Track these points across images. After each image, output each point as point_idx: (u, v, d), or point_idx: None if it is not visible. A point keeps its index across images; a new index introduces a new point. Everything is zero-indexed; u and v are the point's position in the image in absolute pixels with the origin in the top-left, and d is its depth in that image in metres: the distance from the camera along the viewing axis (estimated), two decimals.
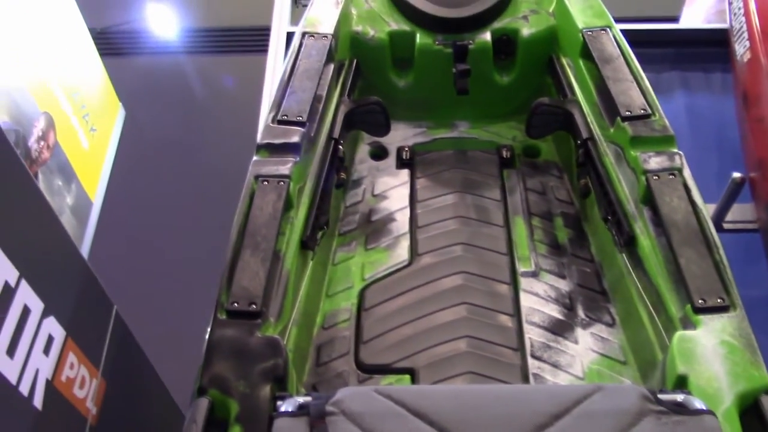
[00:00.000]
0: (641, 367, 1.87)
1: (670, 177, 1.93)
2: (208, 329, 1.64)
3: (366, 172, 2.45)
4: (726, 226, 2.51)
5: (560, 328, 1.99)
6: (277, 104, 2.16)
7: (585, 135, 2.20)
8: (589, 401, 1.40)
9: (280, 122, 2.11)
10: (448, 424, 1.37)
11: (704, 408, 1.40)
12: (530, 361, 1.91)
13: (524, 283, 2.10)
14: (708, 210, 2.49)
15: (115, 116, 3.74)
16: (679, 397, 1.44)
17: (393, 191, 2.38)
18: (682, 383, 1.56)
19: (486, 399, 1.44)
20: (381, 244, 2.22)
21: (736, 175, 2.35)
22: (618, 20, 3.04)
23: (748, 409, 1.53)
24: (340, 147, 2.26)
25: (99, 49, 3.51)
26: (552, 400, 1.41)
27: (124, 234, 4.13)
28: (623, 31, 3.29)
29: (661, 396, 1.42)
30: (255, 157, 2.04)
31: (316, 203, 2.07)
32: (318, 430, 1.36)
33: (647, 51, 3.37)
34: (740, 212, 2.53)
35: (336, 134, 2.25)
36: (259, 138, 2.08)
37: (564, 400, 1.40)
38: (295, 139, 2.06)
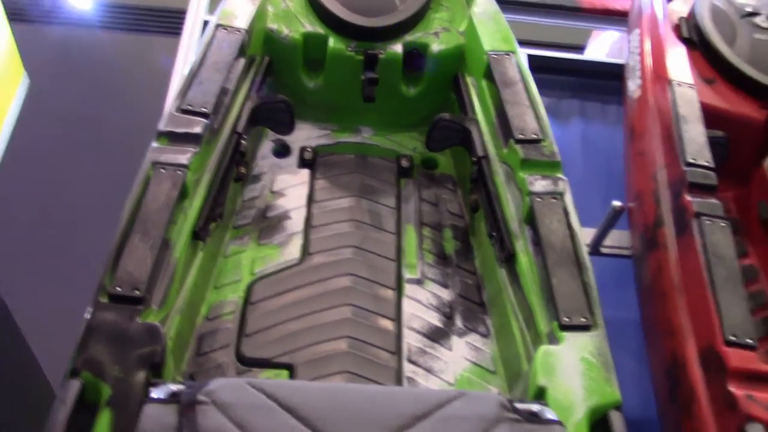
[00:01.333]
0: (509, 378, 1.98)
1: (553, 200, 2.04)
2: (88, 311, 1.64)
3: (267, 168, 2.48)
4: (603, 250, 2.67)
5: (437, 335, 2.08)
6: (183, 93, 2.16)
7: (480, 153, 2.30)
8: (450, 406, 1.48)
9: (184, 111, 2.12)
10: (316, 420, 1.42)
11: (555, 419, 1.51)
12: (406, 364, 1.99)
13: (408, 289, 2.18)
14: (585, 234, 2.65)
15: (18, 84, 3.62)
16: (535, 408, 1.53)
17: (291, 190, 2.41)
18: (541, 394, 1.67)
19: (355, 398, 1.50)
20: (274, 240, 2.25)
21: (616, 203, 2.50)
22: (525, 44, 3.17)
23: (598, 422, 1.65)
24: (243, 141, 2.28)
25: (8, 14, 3.40)
26: (416, 402, 1.48)
27: (14, 207, 4.00)
28: (530, 56, 3.44)
29: (517, 405, 1.51)
30: (154, 144, 2.04)
31: (212, 195, 2.09)
32: (187, 419, 1.39)
33: (551, 77, 3.54)
34: (618, 238, 2.69)
35: (240, 128, 2.27)
36: (160, 125, 2.08)
37: (427, 403, 1.48)
38: (197, 129, 2.07)
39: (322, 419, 1.42)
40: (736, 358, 1.80)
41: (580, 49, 4.05)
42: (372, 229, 2.31)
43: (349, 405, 1.47)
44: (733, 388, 1.76)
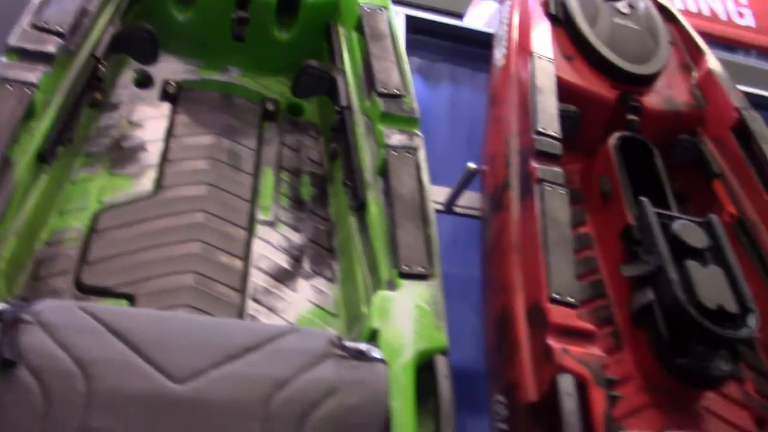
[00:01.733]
0: (349, 321, 2.05)
1: (407, 155, 2.11)
2: None
3: (126, 98, 2.41)
4: (457, 209, 2.78)
5: (284, 277, 2.11)
6: (38, 9, 2.07)
7: (344, 103, 2.33)
8: (281, 340, 1.53)
9: (38, 29, 2.03)
10: (144, 345, 1.43)
11: (379, 357, 1.58)
12: (249, 302, 2.02)
13: (260, 230, 2.20)
14: (440, 193, 2.76)
15: None
16: (362, 347, 1.60)
17: (150, 122, 2.37)
18: (374, 336, 1.74)
19: (186, 327, 1.52)
20: (127, 171, 2.21)
21: (471, 165, 2.61)
22: (406, 4, 3.23)
23: (426, 365, 1.74)
24: (101, 67, 2.21)
25: None
26: (248, 335, 1.52)
27: None
28: (409, 16, 3.49)
29: (347, 343, 1.58)
30: (2, 59, 1.95)
31: (62, 118, 2.02)
32: (8, 337, 1.37)
33: (428, 40, 3.61)
34: (471, 199, 2.80)
35: (99, 53, 2.20)
36: (10, 39, 1.99)
37: (259, 336, 1.52)
38: (51, 48, 1.99)
39: (150, 345, 1.43)
40: (557, 314, 1.94)
41: (459, 16, 4.14)
42: (229, 168, 2.30)
43: (179, 333, 1.49)
44: (551, 341, 1.89)
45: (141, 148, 2.29)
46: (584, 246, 2.52)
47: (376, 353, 1.59)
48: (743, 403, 2.30)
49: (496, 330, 2.16)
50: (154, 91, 2.46)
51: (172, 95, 2.46)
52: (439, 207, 2.77)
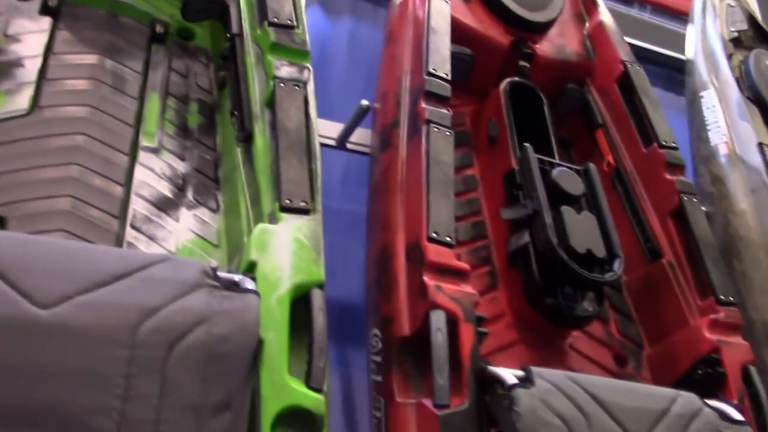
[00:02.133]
0: (230, 252, 2.05)
1: (295, 88, 2.09)
2: None
3: (3, 8, 2.28)
4: (349, 146, 2.78)
5: (166, 205, 2.09)
6: None
7: (235, 30, 2.28)
8: (153, 268, 1.52)
9: None
10: (8, 269, 1.40)
11: (252, 289, 1.60)
12: (128, 230, 1.98)
13: (143, 157, 2.15)
14: (334, 128, 2.75)
15: None
16: (236, 278, 1.61)
17: (29, 36, 2.25)
18: (251, 268, 1.75)
19: (56, 252, 1.49)
20: (1, 86, 2.10)
21: (364, 102, 2.61)
22: None
23: (303, 298, 1.77)
24: None
25: None
26: (119, 262, 1.50)
27: None
28: None
29: (220, 274, 1.58)
30: None
31: None
32: None
33: None
34: (364, 136, 2.81)
35: None
36: None
37: (130, 264, 1.50)
38: None
39: (16, 269, 1.40)
40: (434, 253, 2.00)
41: None
42: (112, 90, 2.23)
43: (48, 258, 1.46)
44: (426, 279, 1.95)
45: (17, 63, 2.18)
46: (470, 188, 2.59)
47: (249, 284, 1.60)
48: (606, 342, 2.45)
49: (376, 265, 2.20)
50: (35, 4, 2.33)
51: (54, 9, 2.33)
52: (332, 142, 2.77)
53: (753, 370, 2.28)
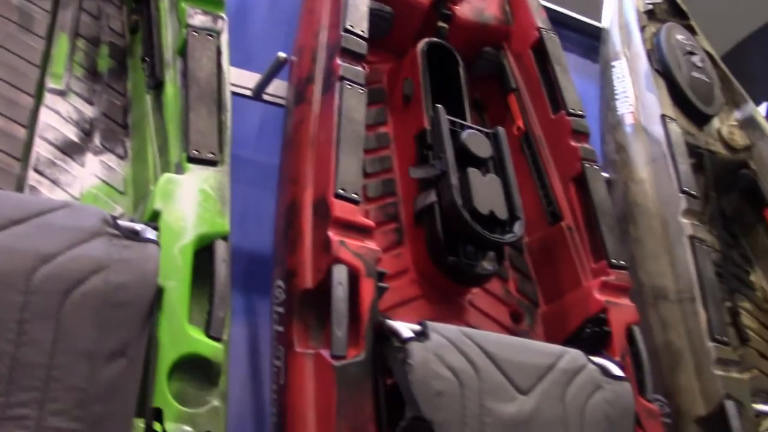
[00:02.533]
0: (136, 200, 2.05)
1: (208, 37, 2.08)
2: None
3: None
4: (265, 97, 2.78)
5: (71, 150, 2.06)
6: None
7: None
8: (51, 215, 1.52)
9: None
10: None
11: (152, 239, 1.61)
12: (31, 173, 1.96)
13: (49, 99, 2.11)
14: (251, 78, 2.74)
15: None
16: (138, 227, 1.63)
17: None
18: (155, 218, 1.77)
19: None
20: None
21: (281, 54, 2.61)
22: None
23: (205, 248, 1.80)
24: None
25: None
26: (17, 207, 1.50)
27: None
28: None
29: (121, 222, 1.60)
30: None
31: None
32: None
33: None
34: (281, 88, 2.81)
35: None
36: None
37: (29, 209, 1.50)
38: None
39: None
40: (340, 208, 2.04)
41: None
42: (19, 29, 2.17)
43: None
44: (331, 234, 2.00)
45: None
46: (382, 145, 2.63)
47: (150, 234, 1.62)
48: (503, 299, 2.56)
49: (284, 219, 2.24)
50: None
51: None
52: (249, 93, 2.76)
53: (636, 330, 2.42)
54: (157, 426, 1.33)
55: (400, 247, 2.44)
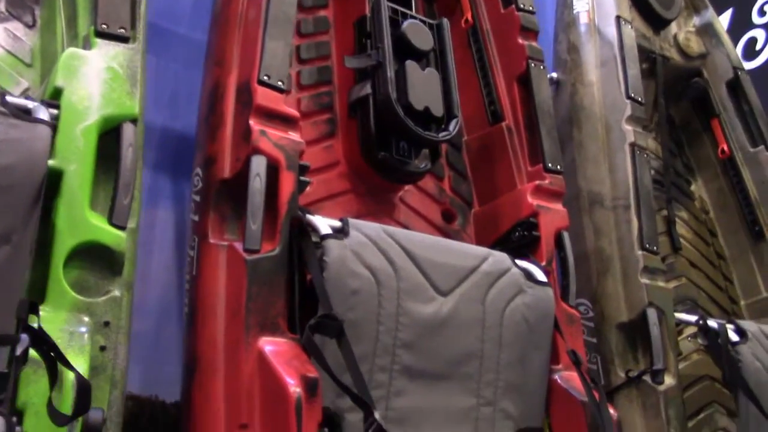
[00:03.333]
0: (44, 73, 1.92)
1: None
2: None
3: None
4: None
5: None
6: None
7: None
8: None
9: None
10: None
11: (44, 119, 1.51)
12: None
13: None
14: None
15: None
16: (30, 105, 1.52)
17: None
18: (57, 95, 1.65)
19: None
20: None
21: None
22: None
23: (110, 131, 1.70)
24: None
25: None
26: None
27: None
28: None
29: (9, 99, 1.48)
30: None
31: None
32: None
33: None
34: None
35: None
36: None
37: None
38: None
39: None
40: (263, 96, 1.93)
41: None
42: None
43: None
44: (252, 122, 1.90)
45: None
46: (321, 30, 2.49)
47: (42, 114, 1.51)
48: (436, 197, 2.51)
49: (207, 102, 2.12)
50: None
51: None
52: None
53: (565, 235, 2.41)
54: (32, 319, 1.26)
55: (332, 138, 2.35)
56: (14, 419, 1.30)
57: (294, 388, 1.62)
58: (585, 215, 2.80)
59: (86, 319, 1.54)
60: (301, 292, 1.87)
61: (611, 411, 2.09)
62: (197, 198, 2.00)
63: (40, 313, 1.46)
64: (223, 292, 1.81)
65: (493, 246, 2.41)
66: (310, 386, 1.65)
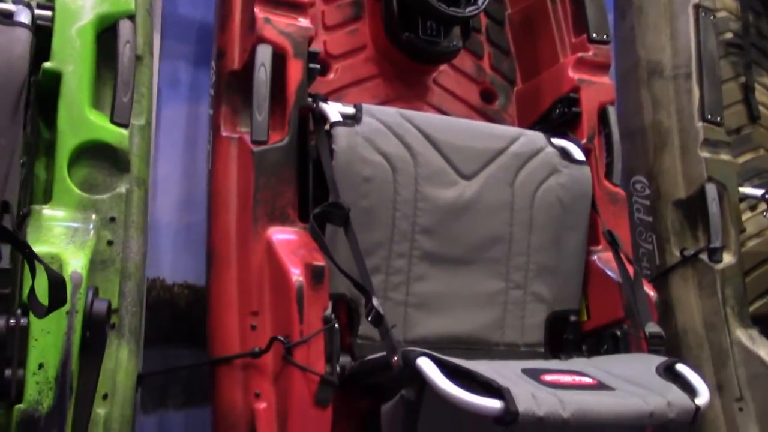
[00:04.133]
0: None
1: None
2: None
3: None
4: None
5: None
6: None
7: None
8: None
9: None
10: None
11: (23, 21, 1.52)
12: None
13: None
14: None
15: None
16: (13, 8, 1.53)
17: None
18: None
19: None
20: None
21: None
22: None
23: (107, 29, 1.70)
24: None
25: None
26: None
27: None
28: None
29: None
30: None
31: None
32: None
33: None
34: None
35: None
36: None
37: None
38: None
39: None
40: None
41: None
42: None
43: None
44: (257, 10, 1.86)
45: None
46: None
47: (24, 17, 1.53)
48: (474, 77, 2.40)
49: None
50: None
51: None
52: None
53: (611, 110, 2.26)
54: (5, 219, 1.31)
55: (358, 22, 2.26)
56: (19, 311, 1.38)
57: (297, 276, 1.64)
58: (643, 87, 2.62)
59: (93, 216, 1.60)
60: (315, 182, 1.86)
61: (650, 292, 2.01)
62: (212, 92, 2.00)
63: (44, 211, 1.53)
64: (234, 184, 1.83)
65: (534, 125, 2.30)
66: (316, 274, 1.67)
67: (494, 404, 1.37)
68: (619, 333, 2.00)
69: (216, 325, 1.79)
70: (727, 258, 2.38)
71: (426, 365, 1.43)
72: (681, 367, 1.68)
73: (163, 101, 2.38)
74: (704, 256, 2.38)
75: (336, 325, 1.68)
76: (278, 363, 1.64)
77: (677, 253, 2.43)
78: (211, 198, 1.90)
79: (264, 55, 1.83)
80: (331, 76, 2.17)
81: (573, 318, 2.10)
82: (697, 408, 1.53)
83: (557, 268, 2.07)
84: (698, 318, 2.35)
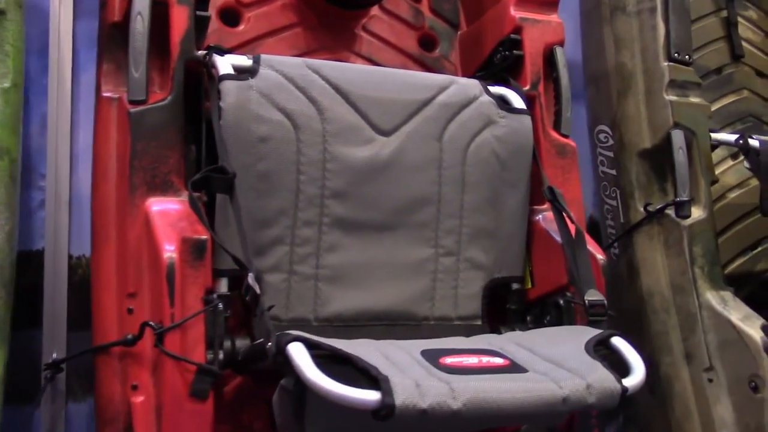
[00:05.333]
0: None
1: None
2: None
3: None
4: None
5: None
6: None
7: None
8: None
9: None
10: None
11: None
12: None
13: None
14: None
15: None
16: None
17: None
18: None
19: None
20: None
21: None
22: None
23: None
24: None
25: None
26: None
27: None
28: None
29: None
30: None
31: None
32: None
33: None
34: None
35: None
36: None
37: None
38: None
39: None
40: None
41: None
42: None
43: None
44: None
45: None
46: None
47: None
48: (411, 22, 2.16)
49: None
50: None
51: None
52: None
53: (559, 51, 2.02)
54: None
55: None
56: None
57: (169, 253, 1.44)
58: (606, 26, 2.36)
59: None
60: (208, 147, 1.66)
61: (597, 254, 1.79)
62: (97, 48, 1.79)
63: None
64: (114, 150, 1.63)
65: (476, 74, 2.07)
66: (196, 249, 1.47)
67: (370, 396, 1.17)
68: (561, 302, 1.78)
69: (95, 309, 1.60)
70: (696, 212, 2.15)
71: (296, 351, 1.23)
72: (617, 341, 1.47)
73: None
74: (671, 211, 2.14)
75: (220, 306, 1.48)
76: (155, 351, 1.45)
77: (642, 209, 2.19)
78: (93, 163, 1.70)
79: (141, 1, 1.61)
80: (241, 26, 1.95)
81: (515, 286, 1.89)
82: (624, 390, 1.32)
83: (496, 231, 1.85)
84: (664, 280, 2.13)
